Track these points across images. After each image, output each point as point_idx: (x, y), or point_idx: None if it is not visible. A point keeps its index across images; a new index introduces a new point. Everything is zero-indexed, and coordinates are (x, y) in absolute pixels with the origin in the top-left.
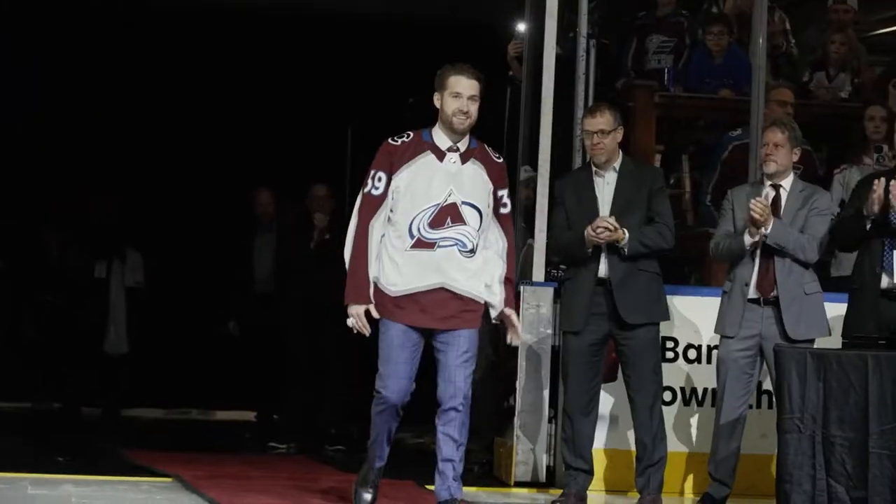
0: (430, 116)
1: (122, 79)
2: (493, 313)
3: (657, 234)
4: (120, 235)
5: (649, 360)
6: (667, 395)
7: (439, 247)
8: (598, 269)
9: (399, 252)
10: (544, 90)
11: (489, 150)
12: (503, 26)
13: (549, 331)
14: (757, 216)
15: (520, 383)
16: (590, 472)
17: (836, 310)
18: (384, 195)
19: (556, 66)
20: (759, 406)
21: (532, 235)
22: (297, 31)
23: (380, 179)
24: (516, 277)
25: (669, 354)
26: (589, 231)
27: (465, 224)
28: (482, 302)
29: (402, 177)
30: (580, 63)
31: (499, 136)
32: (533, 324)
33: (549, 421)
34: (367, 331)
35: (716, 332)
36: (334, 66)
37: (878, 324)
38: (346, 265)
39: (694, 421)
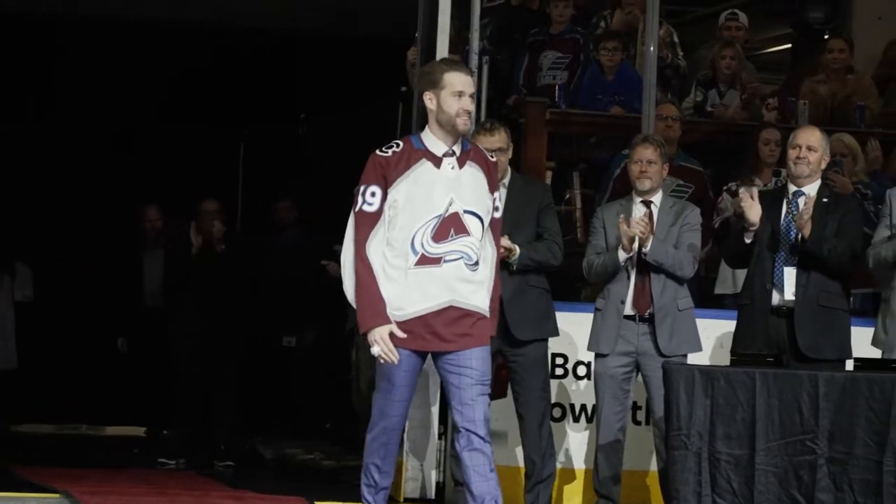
0: (324, 131)
1: (7, 90)
2: None
3: (546, 250)
4: (9, 249)
5: (538, 376)
6: (556, 412)
7: (445, 261)
8: None
9: (401, 272)
10: None
11: (481, 148)
12: (398, 40)
13: None
14: (640, 234)
15: None
16: None
17: (720, 326)
18: (380, 211)
19: None
20: (647, 423)
21: None
22: (189, 44)
23: (373, 195)
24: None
25: (559, 371)
26: None
27: (468, 235)
28: (487, 317)
29: (400, 189)
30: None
31: None
32: None
33: (439, 437)
34: (395, 356)
35: (589, 349)
36: (226, 81)
37: (767, 341)
38: (350, 293)
39: (583, 437)
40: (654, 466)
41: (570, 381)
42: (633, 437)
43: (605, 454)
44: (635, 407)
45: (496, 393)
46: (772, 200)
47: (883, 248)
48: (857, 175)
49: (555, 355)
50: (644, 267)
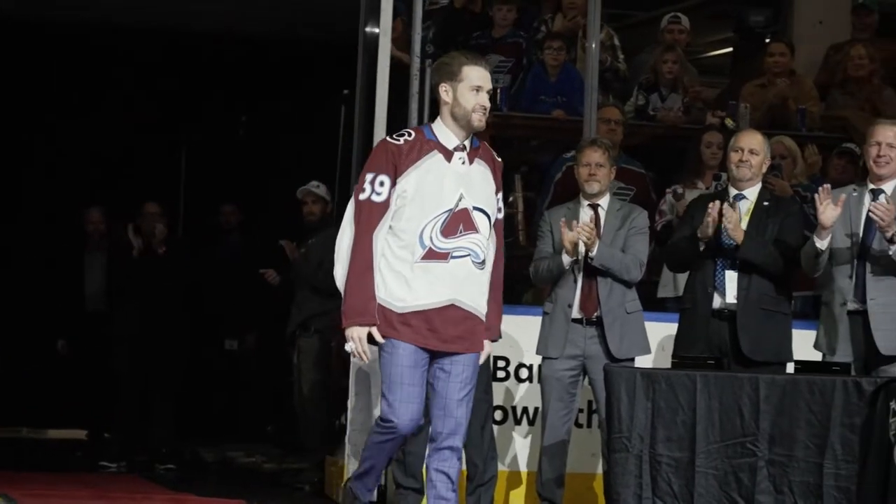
0: (265, 133)
1: None
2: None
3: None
4: None
5: (481, 379)
6: (498, 415)
7: (453, 258)
8: None
9: (406, 265)
10: (378, 108)
11: (489, 148)
12: (340, 43)
13: None
14: (585, 240)
15: (351, 402)
16: (420, 492)
17: (662, 329)
18: (388, 201)
19: (391, 84)
20: (588, 426)
21: None
22: (132, 48)
23: (381, 184)
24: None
25: (501, 374)
26: None
27: (477, 232)
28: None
29: (410, 180)
30: (414, 81)
31: (333, 154)
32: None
33: None
34: (367, 357)
35: (538, 353)
36: (168, 83)
37: (708, 344)
38: (340, 283)
39: (525, 440)
40: (600, 469)
41: (512, 384)
42: (576, 440)
43: (549, 457)
44: (579, 410)
45: None
46: (710, 203)
47: (808, 244)
48: (796, 178)
49: (497, 358)
50: (591, 270)
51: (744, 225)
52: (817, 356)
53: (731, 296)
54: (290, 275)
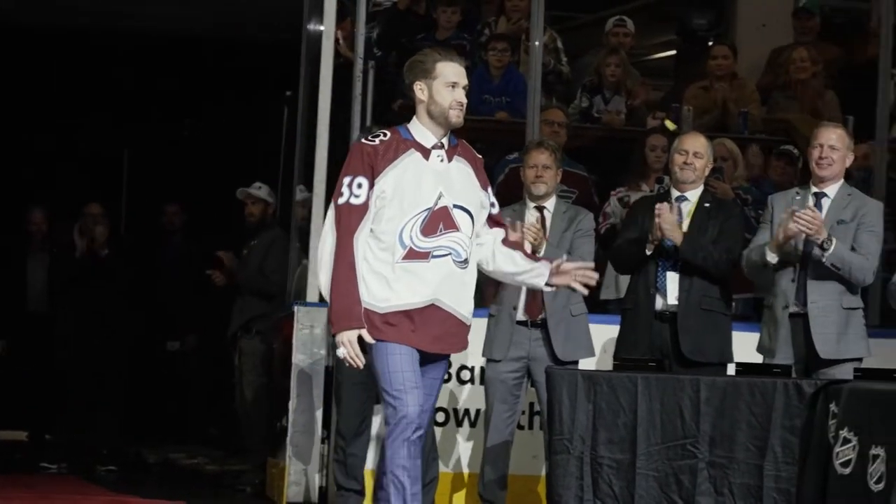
0: (208, 134)
1: None
2: (544, 283)
3: None
4: None
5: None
6: (439, 416)
7: (433, 257)
8: None
9: (387, 265)
10: (321, 109)
11: (468, 145)
12: (282, 43)
13: (323, 352)
14: (531, 240)
15: (292, 404)
16: (361, 493)
17: (604, 331)
18: (366, 204)
19: (338, 84)
20: (530, 427)
21: (307, 256)
22: (76, 48)
23: (359, 186)
24: (515, 257)
25: None
26: None
27: (458, 230)
28: (468, 325)
29: (388, 180)
30: (357, 83)
31: (275, 156)
32: (307, 345)
33: (322, 442)
34: (360, 361)
35: (483, 355)
36: (110, 84)
37: (650, 345)
38: (325, 289)
39: (467, 442)
40: (542, 471)
41: (455, 386)
42: (519, 442)
43: (492, 459)
44: (521, 412)
45: (380, 397)
46: (654, 205)
47: (753, 252)
48: (737, 180)
49: None
50: None
51: (685, 226)
52: (758, 358)
53: (673, 297)
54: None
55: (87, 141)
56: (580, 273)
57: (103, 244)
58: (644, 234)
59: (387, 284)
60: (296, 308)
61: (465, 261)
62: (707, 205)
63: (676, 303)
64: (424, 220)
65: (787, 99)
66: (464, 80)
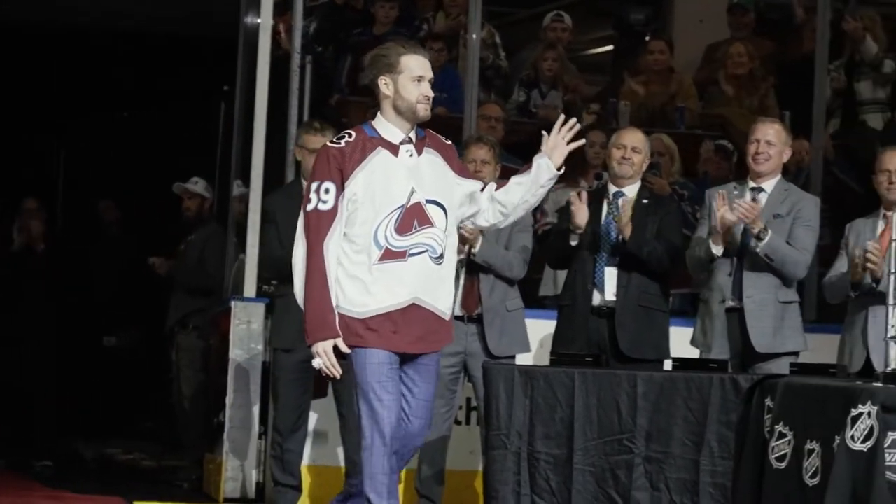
0: (145, 129)
1: None
2: (542, 177)
3: None
4: None
5: None
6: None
7: (410, 255)
8: None
9: (363, 268)
10: (258, 104)
11: (436, 134)
12: (220, 39)
13: (260, 347)
14: (467, 234)
15: (229, 399)
16: (298, 489)
17: (541, 327)
18: (335, 208)
19: (271, 80)
20: (467, 422)
21: (244, 251)
22: (12, 44)
23: (327, 191)
24: (507, 189)
25: None
26: None
27: (432, 226)
28: (449, 321)
29: (358, 182)
30: (294, 78)
31: (213, 151)
32: (244, 340)
33: (259, 437)
34: (337, 371)
35: None
36: (47, 79)
37: (587, 340)
38: (300, 299)
39: None
40: (479, 467)
41: None
42: (456, 438)
43: (429, 454)
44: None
45: (317, 393)
46: (592, 201)
47: (697, 248)
48: (673, 175)
49: None
50: (473, 267)
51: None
52: (695, 353)
53: (611, 293)
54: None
55: (23, 136)
56: (564, 134)
57: (39, 239)
58: (568, 226)
59: (364, 289)
60: (233, 303)
61: (441, 256)
62: (645, 200)
63: (614, 298)
64: (398, 218)
65: (724, 94)
66: (429, 73)
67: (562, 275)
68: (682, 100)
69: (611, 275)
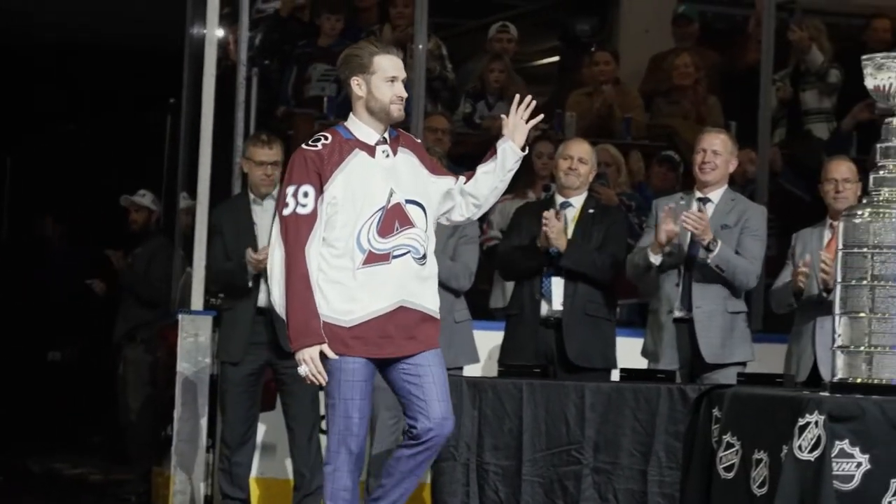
0: (91, 143)
1: None
2: (508, 161)
3: None
4: None
5: (308, 389)
6: (325, 424)
7: (394, 257)
8: (257, 298)
9: (347, 273)
10: (203, 116)
11: (407, 133)
12: (166, 51)
13: (208, 360)
14: None
15: (177, 413)
16: (246, 502)
17: (489, 338)
18: (315, 212)
19: (217, 92)
20: None
21: (191, 264)
22: None
23: (306, 195)
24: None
25: None
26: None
27: (413, 226)
28: (438, 319)
29: (337, 185)
30: (240, 90)
31: (160, 163)
32: (191, 353)
33: (207, 450)
34: (323, 378)
35: None
36: None
37: (535, 351)
38: (279, 306)
39: None
40: (428, 478)
41: None
42: None
43: (378, 466)
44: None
45: (265, 405)
46: (539, 212)
47: (636, 255)
48: (620, 186)
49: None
50: None
51: (570, 233)
52: (642, 364)
53: (558, 303)
54: (118, 284)
55: None
56: (522, 113)
57: None
58: (533, 241)
59: (349, 295)
60: (180, 316)
61: (424, 256)
62: (591, 211)
63: (561, 309)
64: (380, 220)
65: (670, 105)
66: (402, 74)
67: (510, 286)
68: (628, 110)
69: (558, 285)
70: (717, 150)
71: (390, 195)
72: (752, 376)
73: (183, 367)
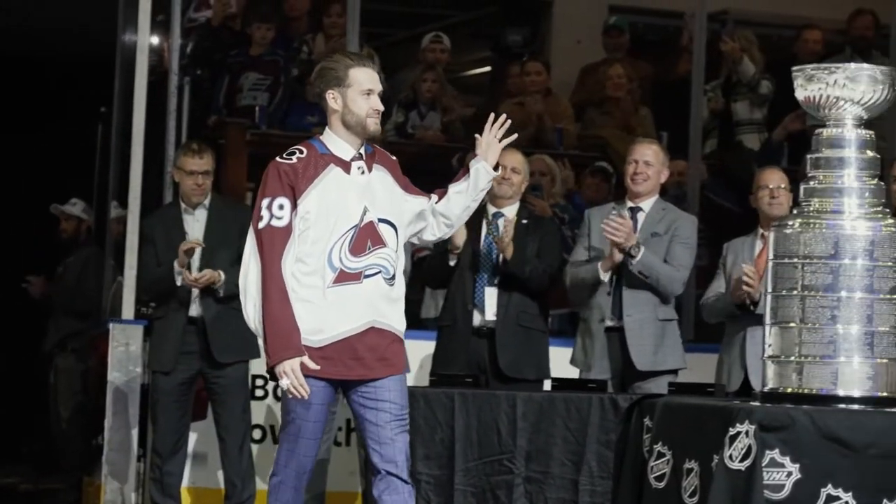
0: (23, 153)
1: None
2: (481, 181)
3: None
4: None
5: (239, 398)
6: (256, 434)
7: (365, 277)
8: (189, 307)
9: (317, 291)
10: (135, 126)
11: (382, 150)
12: (97, 59)
13: (139, 369)
14: None
15: (108, 422)
16: None
17: (421, 348)
18: (290, 226)
19: (149, 101)
20: (347, 444)
21: (122, 273)
22: None
23: (281, 207)
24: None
25: (260, 392)
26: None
27: (385, 246)
28: (403, 339)
29: (311, 200)
30: (171, 99)
31: (90, 173)
32: (122, 362)
33: (138, 459)
34: (306, 391)
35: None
36: None
37: (467, 361)
38: (253, 321)
39: None
40: (359, 488)
41: (272, 403)
42: (336, 459)
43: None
44: (338, 428)
45: (196, 415)
46: (471, 222)
47: (582, 270)
48: (554, 197)
49: (255, 377)
50: None
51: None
52: (573, 373)
53: (491, 313)
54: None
55: None
56: (496, 132)
57: None
58: (447, 246)
59: (318, 314)
60: (111, 325)
61: (393, 277)
62: (524, 221)
63: (494, 318)
64: (353, 238)
65: (602, 115)
66: (378, 87)
67: (443, 296)
68: (560, 121)
69: (491, 295)
70: (649, 160)
71: (364, 213)
72: (683, 386)
73: (114, 376)
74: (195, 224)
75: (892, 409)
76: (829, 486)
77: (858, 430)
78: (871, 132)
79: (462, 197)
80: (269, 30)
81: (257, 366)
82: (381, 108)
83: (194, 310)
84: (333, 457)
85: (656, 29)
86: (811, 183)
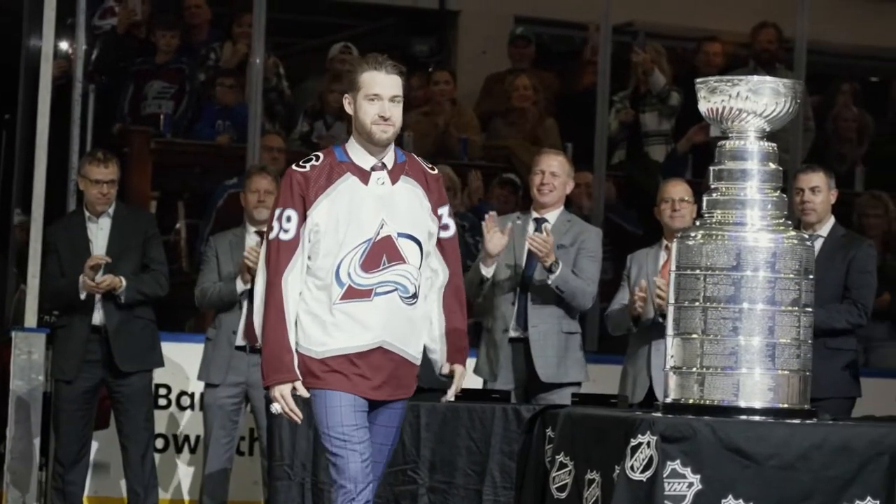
0: None
1: None
2: (438, 369)
3: (154, 281)
4: None
5: (142, 407)
6: (159, 443)
7: (377, 294)
8: (92, 316)
9: (324, 307)
10: (39, 133)
11: (420, 160)
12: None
13: (41, 378)
14: (251, 265)
15: (10, 431)
16: None
17: None
18: (297, 238)
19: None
20: (250, 453)
21: (25, 281)
22: None
23: (288, 219)
24: (439, 322)
25: (162, 402)
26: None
27: (404, 262)
28: (417, 365)
29: (321, 209)
30: (76, 106)
31: None
32: (24, 370)
33: (40, 469)
34: (297, 416)
35: (199, 379)
36: None
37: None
38: (259, 335)
39: (187, 468)
40: (262, 497)
41: (175, 412)
42: (238, 468)
43: (211, 485)
44: (241, 438)
45: (99, 424)
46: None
47: (472, 271)
48: (457, 207)
49: (158, 386)
50: (252, 298)
51: None
52: (478, 382)
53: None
54: None
55: None
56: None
57: None
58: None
59: (324, 329)
60: (13, 333)
61: (414, 295)
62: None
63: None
64: (364, 253)
65: (508, 126)
66: (390, 92)
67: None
68: (465, 131)
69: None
70: (555, 171)
71: (381, 226)
72: (586, 397)
73: (16, 384)
74: (99, 232)
75: (793, 421)
76: (730, 496)
77: (759, 442)
78: (774, 144)
79: (428, 346)
80: (173, 38)
81: (161, 375)
82: (389, 114)
83: (97, 318)
84: (236, 466)
85: (562, 40)
86: (714, 195)
